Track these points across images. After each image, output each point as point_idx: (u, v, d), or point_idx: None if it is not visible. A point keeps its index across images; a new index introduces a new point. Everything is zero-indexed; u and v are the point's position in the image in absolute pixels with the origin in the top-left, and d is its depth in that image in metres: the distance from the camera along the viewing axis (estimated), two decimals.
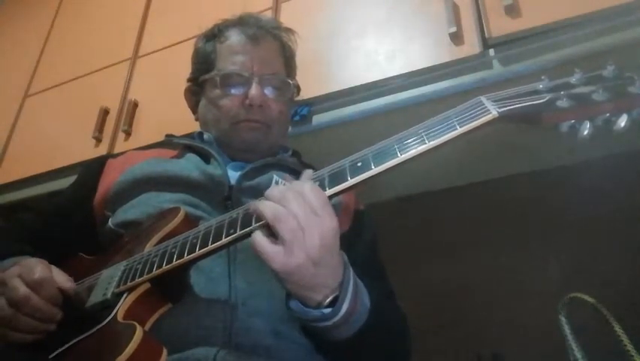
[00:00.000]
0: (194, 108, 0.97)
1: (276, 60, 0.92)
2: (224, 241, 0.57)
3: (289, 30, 0.99)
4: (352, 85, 1.16)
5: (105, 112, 1.49)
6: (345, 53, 1.22)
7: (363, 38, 1.21)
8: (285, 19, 1.35)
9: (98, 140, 1.46)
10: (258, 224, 0.55)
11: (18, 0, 2.09)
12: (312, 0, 1.35)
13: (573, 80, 0.56)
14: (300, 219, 0.53)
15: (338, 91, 1.17)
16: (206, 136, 0.92)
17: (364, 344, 0.61)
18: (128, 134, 1.43)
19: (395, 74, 1.12)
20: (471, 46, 1.06)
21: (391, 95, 1.13)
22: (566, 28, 0.98)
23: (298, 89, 0.96)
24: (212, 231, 0.59)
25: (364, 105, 1.15)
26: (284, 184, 0.78)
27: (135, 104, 1.46)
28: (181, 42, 1.50)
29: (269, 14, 1.37)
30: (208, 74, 0.89)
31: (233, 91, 0.87)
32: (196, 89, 0.95)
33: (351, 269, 0.59)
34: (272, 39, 0.93)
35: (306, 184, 0.56)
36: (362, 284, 0.61)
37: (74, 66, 1.70)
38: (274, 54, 0.92)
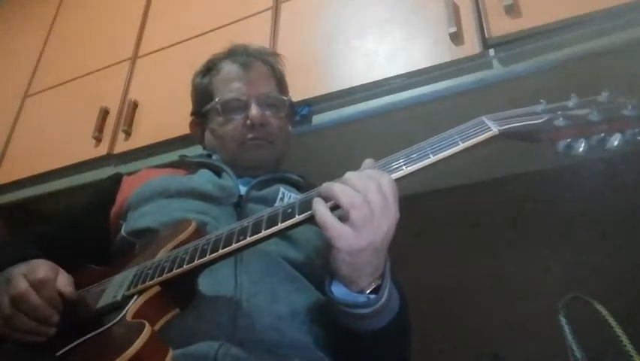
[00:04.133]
0: (200, 139, 1.02)
1: (268, 81, 0.97)
2: (234, 246, 0.59)
3: (276, 54, 1.06)
4: (352, 85, 1.16)
5: (105, 112, 1.49)
6: (345, 53, 1.22)
7: (363, 38, 1.21)
8: (285, 19, 1.36)
9: (98, 140, 1.45)
10: (329, 204, 0.57)
11: (18, 0, 2.09)
12: (312, 0, 1.35)
13: (570, 104, 0.59)
14: (373, 206, 0.55)
15: (338, 91, 1.17)
16: (214, 157, 0.96)
17: (388, 337, 0.63)
18: (128, 134, 1.43)
19: (395, 74, 1.12)
20: (471, 46, 1.06)
21: (391, 95, 1.12)
22: (566, 28, 0.97)
23: (292, 105, 1.02)
24: (223, 238, 0.61)
25: (364, 105, 1.15)
26: (290, 197, 0.84)
27: (135, 104, 1.46)
28: (181, 42, 1.50)
29: (269, 14, 1.37)
30: (209, 105, 0.95)
31: (234, 116, 0.92)
32: (200, 121, 1.00)
33: (389, 262, 0.62)
34: (261, 64, 0.98)
35: (384, 175, 0.58)
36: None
37: (74, 66, 1.70)
38: (266, 76, 0.98)
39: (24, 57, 1.86)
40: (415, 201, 1.45)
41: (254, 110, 0.90)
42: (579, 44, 0.97)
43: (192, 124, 1.03)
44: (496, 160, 1.34)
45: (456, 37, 1.07)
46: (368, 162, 0.62)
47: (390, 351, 0.66)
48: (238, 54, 0.98)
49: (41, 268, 0.65)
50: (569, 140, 0.57)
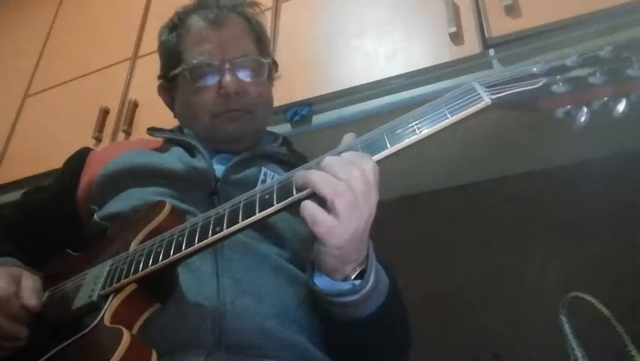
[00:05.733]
0: (170, 105, 0.93)
1: (244, 40, 0.85)
2: (210, 239, 0.55)
3: (253, 4, 0.91)
4: (352, 85, 1.16)
5: (105, 112, 1.48)
6: (345, 53, 1.22)
7: (363, 38, 1.21)
8: (285, 19, 1.36)
9: (98, 140, 1.45)
10: (302, 193, 0.52)
11: (18, 0, 2.09)
12: (312, 0, 1.35)
13: (569, 62, 0.53)
14: (357, 194, 0.51)
15: (338, 91, 1.17)
16: (186, 131, 0.88)
17: (381, 323, 0.60)
18: (128, 134, 1.43)
19: (395, 74, 1.12)
20: (471, 46, 1.06)
21: (391, 95, 1.13)
22: (566, 28, 0.98)
23: (276, 65, 0.90)
24: (199, 228, 0.57)
25: (364, 105, 1.15)
26: (272, 178, 0.77)
27: (135, 104, 1.46)
28: None
29: (269, 14, 1.37)
30: (177, 69, 0.84)
31: (206, 82, 0.81)
32: (168, 86, 0.89)
33: (371, 243, 0.59)
34: (236, 18, 0.86)
35: (367, 161, 0.53)
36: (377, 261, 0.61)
37: (74, 66, 1.69)
38: (241, 34, 0.85)
39: (24, 57, 1.86)
40: (415, 201, 1.45)
41: (228, 77, 0.79)
42: (579, 44, 0.97)
43: (160, 89, 0.91)
44: (496, 160, 1.34)
45: (456, 37, 1.08)
46: (348, 137, 0.58)
47: (387, 338, 0.63)
48: (207, 7, 0.85)
49: (0, 281, 0.60)
50: (569, 107, 0.51)
